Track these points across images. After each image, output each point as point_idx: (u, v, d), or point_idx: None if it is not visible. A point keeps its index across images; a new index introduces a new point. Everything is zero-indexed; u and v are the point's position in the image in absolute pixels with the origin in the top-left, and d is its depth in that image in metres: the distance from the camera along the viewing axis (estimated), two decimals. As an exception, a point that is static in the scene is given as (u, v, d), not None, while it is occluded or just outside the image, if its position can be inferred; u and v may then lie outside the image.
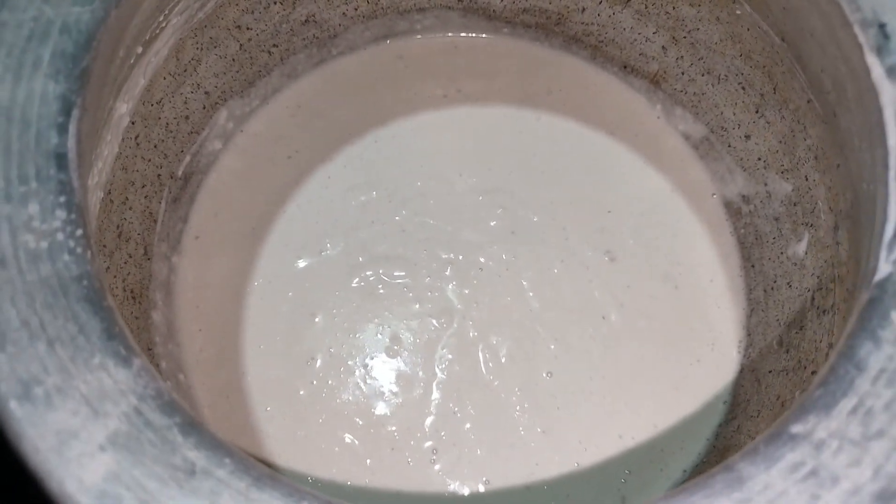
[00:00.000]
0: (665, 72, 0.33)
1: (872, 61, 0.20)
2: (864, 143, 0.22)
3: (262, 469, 0.16)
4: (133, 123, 0.27)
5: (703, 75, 0.32)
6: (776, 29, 0.27)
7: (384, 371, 0.31)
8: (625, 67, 0.34)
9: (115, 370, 0.16)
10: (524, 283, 0.32)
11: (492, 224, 0.33)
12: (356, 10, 0.33)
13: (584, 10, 0.33)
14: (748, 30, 0.28)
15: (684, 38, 0.31)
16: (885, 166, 0.19)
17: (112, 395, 0.16)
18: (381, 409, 0.31)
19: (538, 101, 0.35)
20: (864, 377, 0.17)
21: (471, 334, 0.32)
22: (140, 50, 0.25)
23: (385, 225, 0.33)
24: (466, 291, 0.32)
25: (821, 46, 0.23)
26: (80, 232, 0.17)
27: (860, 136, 0.22)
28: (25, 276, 0.16)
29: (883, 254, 0.18)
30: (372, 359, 0.31)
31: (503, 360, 0.31)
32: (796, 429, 0.16)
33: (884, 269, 0.18)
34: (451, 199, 0.33)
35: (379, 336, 0.32)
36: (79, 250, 0.17)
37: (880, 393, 0.16)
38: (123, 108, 0.26)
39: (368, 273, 0.32)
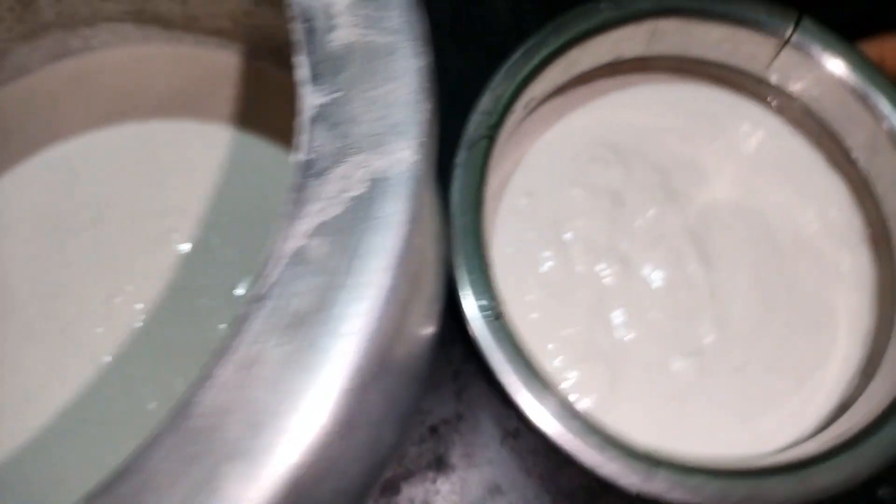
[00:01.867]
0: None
1: (301, 60, 0.17)
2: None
3: None
4: None
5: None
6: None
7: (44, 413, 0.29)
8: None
9: None
10: (200, 310, 0.30)
11: (167, 250, 0.31)
12: (11, 30, 0.32)
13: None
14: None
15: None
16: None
17: None
18: (29, 459, 0.29)
19: (218, 111, 0.32)
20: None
21: (141, 372, 0.30)
22: None
23: (49, 257, 0.31)
24: (138, 324, 0.30)
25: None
26: None
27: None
28: None
29: (252, 288, 0.15)
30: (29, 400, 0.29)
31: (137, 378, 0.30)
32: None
33: (241, 310, 0.15)
34: (124, 223, 0.31)
35: (37, 376, 0.30)
36: None
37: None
38: None
39: (35, 311, 0.30)
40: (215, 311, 0.30)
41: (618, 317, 0.32)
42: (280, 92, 0.32)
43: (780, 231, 0.34)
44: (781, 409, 0.31)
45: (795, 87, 0.34)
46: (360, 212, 0.15)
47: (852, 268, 0.33)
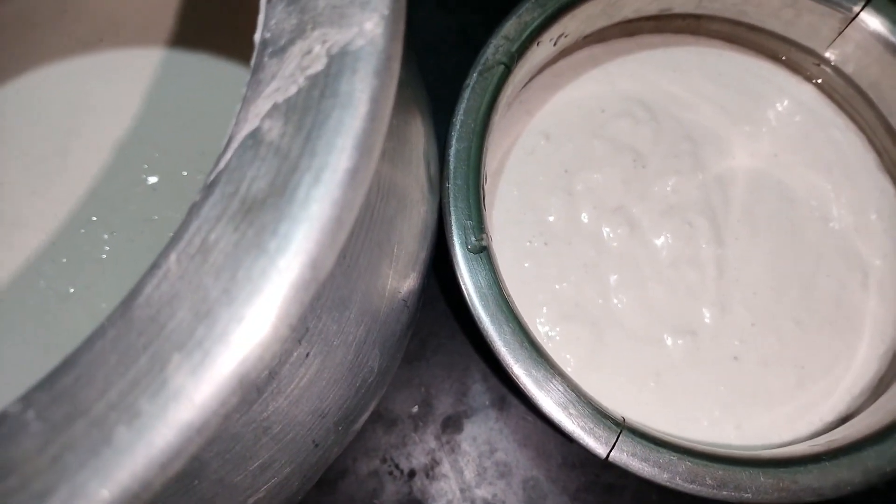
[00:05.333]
0: None
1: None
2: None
3: None
4: None
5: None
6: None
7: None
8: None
9: None
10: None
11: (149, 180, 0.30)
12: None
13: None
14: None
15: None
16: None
17: None
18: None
19: (200, 38, 0.31)
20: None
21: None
22: None
23: (13, 186, 0.30)
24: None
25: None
26: None
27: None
28: None
29: (205, 177, 0.14)
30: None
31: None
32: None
33: (196, 197, 0.14)
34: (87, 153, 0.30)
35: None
36: None
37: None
38: None
39: None
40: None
41: (614, 281, 0.30)
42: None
43: (808, 222, 0.31)
44: (774, 410, 0.29)
45: (853, 69, 0.31)
46: (317, 90, 0.14)
47: (884, 276, 0.31)
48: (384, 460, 0.31)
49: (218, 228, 0.13)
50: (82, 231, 0.29)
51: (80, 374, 0.12)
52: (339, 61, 0.13)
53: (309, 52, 0.14)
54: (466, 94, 0.27)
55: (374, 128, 0.13)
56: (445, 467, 0.30)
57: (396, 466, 0.31)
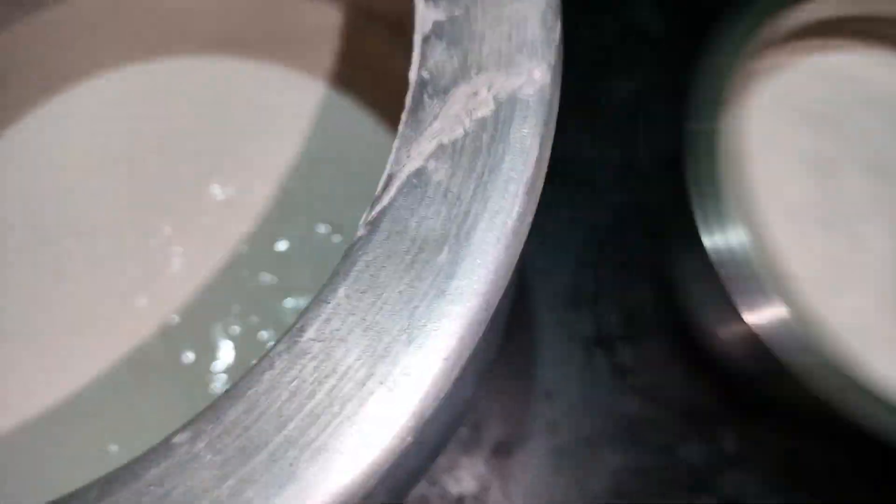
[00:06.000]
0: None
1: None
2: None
3: None
4: None
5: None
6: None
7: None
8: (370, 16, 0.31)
9: None
10: (242, 257, 0.29)
11: (205, 193, 0.30)
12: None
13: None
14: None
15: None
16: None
17: None
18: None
19: (268, 49, 0.31)
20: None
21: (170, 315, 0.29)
22: None
23: (72, 190, 0.29)
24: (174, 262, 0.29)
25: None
26: None
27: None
28: None
29: (365, 213, 0.15)
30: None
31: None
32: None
33: (360, 231, 0.14)
34: (157, 162, 0.30)
35: (66, 313, 0.29)
36: None
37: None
38: None
39: (58, 245, 0.29)
40: (255, 261, 0.29)
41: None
42: (340, 36, 0.31)
43: None
44: None
45: None
46: (486, 133, 0.14)
47: None
48: (433, 483, 0.31)
49: (389, 267, 0.13)
50: (151, 242, 0.29)
51: (249, 407, 0.12)
52: (508, 107, 0.14)
53: (475, 95, 0.14)
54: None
55: (539, 175, 0.13)
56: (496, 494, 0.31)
57: (445, 490, 0.31)
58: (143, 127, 0.30)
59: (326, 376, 0.13)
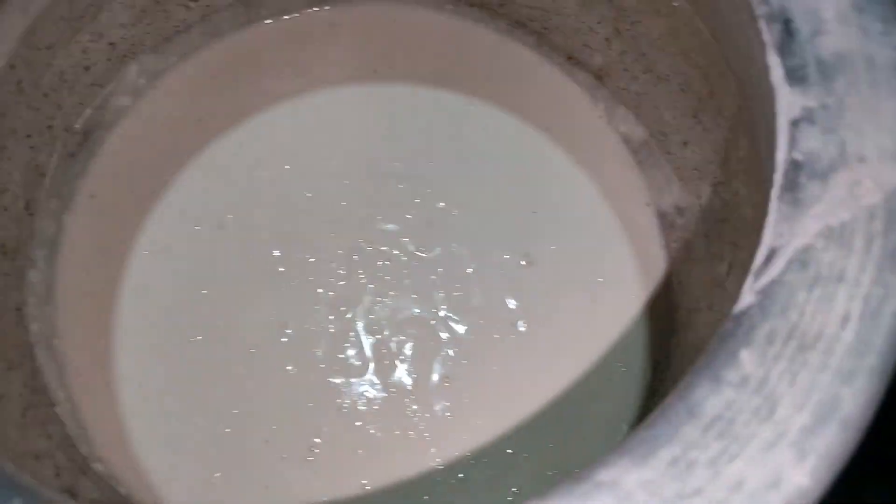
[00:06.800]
0: (609, 66, 0.31)
1: (773, 61, 0.18)
2: (767, 156, 0.19)
3: None
4: (13, 67, 0.26)
5: (645, 73, 0.29)
6: (708, 25, 0.24)
7: (268, 359, 0.29)
8: (569, 59, 0.32)
9: None
10: (434, 279, 0.30)
11: (407, 215, 0.31)
12: (288, -31, 0.31)
13: (527, -9, 0.31)
14: (685, 25, 0.26)
15: (627, 30, 0.29)
16: (771, 183, 0.17)
17: None
18: (258, 400, 0.29)
19: (474, 86, 0.32)
20: (694, 424, 0.14)
21: (373, 328, 0.30)
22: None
23: (294, 202, 0.31)
24: (371, 285, 0.30)
25: (736, 44, 0.21)
26: None
27: (766, 146, 0.20)
28: None
29: (749, 280, 0.16)
30: (258, 344, 0.29)
31: (402, 360, 0.29)
32: (604, 475, 0.14)
33: (746, 299, 0.16)
34: (368, 182, 0.31)
35: (270, 318, 0.30)
36: None
37: (708, 444, 0.14)
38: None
39: (269, 252, 0.30)
40: (448, 280, 0.30)
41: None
42: (542, 79, 0.32)
43: None
44: None
45: None
46: (877, 221, 0.15)
47: None
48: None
49: (779, 365, 0.14)
50: (355, 257, 0.30)
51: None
52: (896, 199, 0.15)
53: (858, 183, 0.15)
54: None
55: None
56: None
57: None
58: (355, 146, 0.31)
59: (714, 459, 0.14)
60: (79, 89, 0.29)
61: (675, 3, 0.25)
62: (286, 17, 0.32)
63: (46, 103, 0.28)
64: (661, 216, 0.30)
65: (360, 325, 0.30)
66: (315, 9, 0.32)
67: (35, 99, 0.27)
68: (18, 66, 0.26)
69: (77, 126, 0.29)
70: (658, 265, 0.30)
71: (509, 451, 0.28)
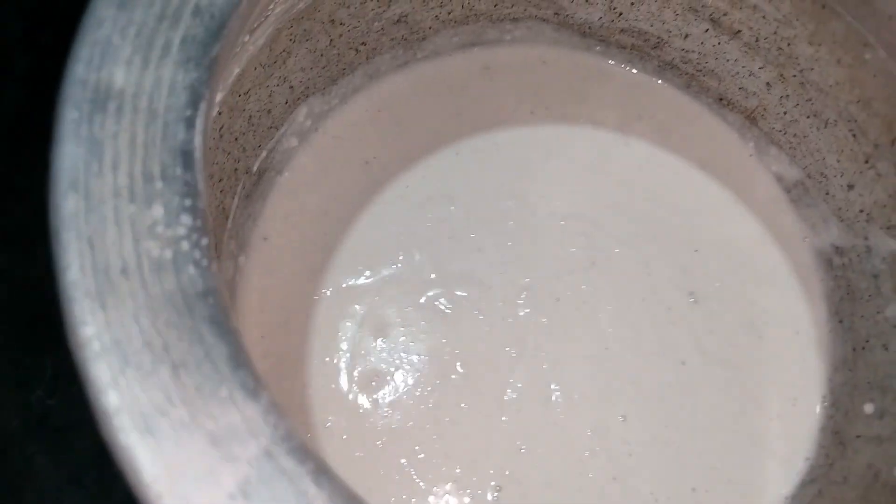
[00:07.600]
0: (764, 109, 0.32)
1: None
2: None
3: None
4: (220, 114, 0.25)
5: (808, 117, 0.30)
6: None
7: (448, 398, 0.30)
8: (720, 100, 0.33)
9: (244, 405, 0.14)
10: (602, 317, 0.31)
11: (572, 251, 0.31)
12: (449, 13, 0.32)
13: (687, 36, 0.32)
14: (875, 76, 0.27)
15: (794, 76, 0.30)
16: None
17: (241, 435, 0.14)
18: (443, 438, 0.29)
19: (627, 126, 0.33)
20: None
21: (543, 366, 0.30)
22: (247, 38, 0.23)
23: (461, 242, 0.31)
24: (542, 320, 0.30)
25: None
26: (205, 241, 0.16)
27: None
28: (149, 288, 0.15)
29: None
30: (436, 383, 0.30)
31: (575, 398, 0.30)
32: None
33: None
34: (531, 221, 0.32)
35: (446, 358, 0.30)
36: (204, 262, 0.15)
37: None
38: (217, 98, 0.24)
39: (440, 291, 0.31)
40: (629, 318, 0.30)
41: None
42: (696, 119, 0.33)
43: None
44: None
45: None
46: None
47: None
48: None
49: None
50: (510, 310, 0.30)
51: None
52: None
53: None
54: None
55: None
56: None
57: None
58: (517, 187, 0.32)
59: None
60: (260, 131, 0.29)
61: (867, 56, 0.26)
62: (440, 58, 0.33)
63: (236, 147, 0.27)
64: (818, 254, 0.32)
65: (529, 364, 0.30)
66: (467, 51, 0.33)
67: (229, 143, 0.27)
68: (224, 113, 0.26)
69: (254, 168, 0.29)
70: (819, 301, 0.31)
71: (693, 488, 0.29)
